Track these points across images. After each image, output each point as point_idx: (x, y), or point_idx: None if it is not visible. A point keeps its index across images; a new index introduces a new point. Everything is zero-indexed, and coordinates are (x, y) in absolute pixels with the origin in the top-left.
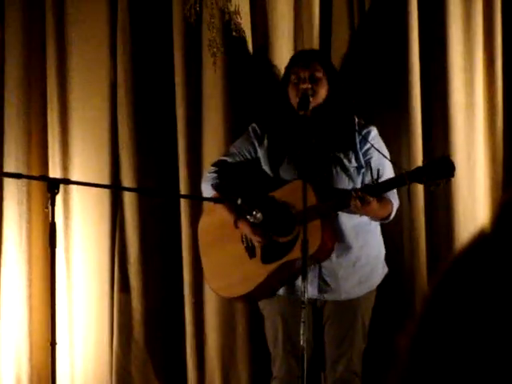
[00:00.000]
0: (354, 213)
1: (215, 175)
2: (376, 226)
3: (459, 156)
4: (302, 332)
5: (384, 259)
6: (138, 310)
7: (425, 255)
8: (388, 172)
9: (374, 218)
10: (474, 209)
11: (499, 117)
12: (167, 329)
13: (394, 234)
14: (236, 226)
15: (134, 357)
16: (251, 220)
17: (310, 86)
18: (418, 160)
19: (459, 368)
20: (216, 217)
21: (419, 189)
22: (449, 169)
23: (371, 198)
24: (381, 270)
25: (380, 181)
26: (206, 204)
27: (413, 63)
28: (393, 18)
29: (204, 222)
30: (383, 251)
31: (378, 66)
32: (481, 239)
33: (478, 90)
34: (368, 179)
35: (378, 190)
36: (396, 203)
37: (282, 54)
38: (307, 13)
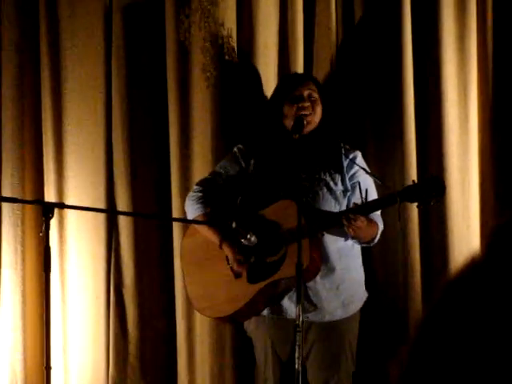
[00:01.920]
0: (340, 235)
1: (200, 194)
2: (358, 251)
3: (453, 179)
4: (297, 355)
5: (364, 284)
6: (134, 334)
7: (419, 280)
8: (373, 195)
9: (359, 240)
10: (468, 233)
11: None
12: (163, 352)
13: (388, 258)
14: (220, 248)
15: (129, 380)
16: (245, 243)
17: (309, 104)
18: (413, 176)
19: None
20: (199, 237)
21: (414, 212)
22: (440, 188)
23: (362, 218)
24: (362, 295)
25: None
26: (188, 224)
27: (407, 82)
28: (385, 37)
29: (187, 243)
30: (363, 276)
31: (371, 84)
32: (472, 267)
33: (473, 110)
34: (355, 201)
35: (368, 208)
36: (381, 227)
37: (268, 77)
38: (292, 37)
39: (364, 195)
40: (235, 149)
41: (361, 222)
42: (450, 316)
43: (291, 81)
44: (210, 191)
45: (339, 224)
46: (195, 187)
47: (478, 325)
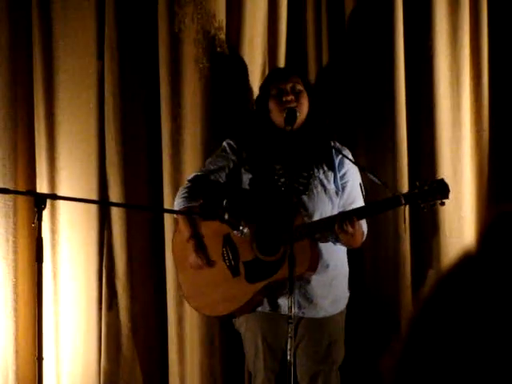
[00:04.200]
0: (329, 237)
1: (186, 190)
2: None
3: (445, 171)
4: (289, 347)
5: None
6: (126, 325)
7: (409, 271)
8: (360, 198)
9: (349, 243)
10: (459, 224)
11: (485, 131)
12: (155, 343)
13: (380, 251)
14: (187, 241)
15: (121, 371)
16: (238, 235)
17: (293, 97)
18: (405, 178)
19: None
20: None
21: None
22: (444, 191)
23: (357, 225)
24: (347, 292)
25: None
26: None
27: (398, 81)
28: (376, 33)
29: (178, 239)
30: (348, 272)
31: (363, 83)
32: (466, 260)
33: (465, 104)
34: (346, 202)
35: (371, 211)
36: (365, 232)
37: (253, 71)
38: (278, 30)
39: (364, 196)
40: (225, 144)
41: (355, 227)
42: (445, 309)
43: (274, 76)
44: (198, 187)
45: (340, 225)
46: (186, 183)
47: (473, 317)
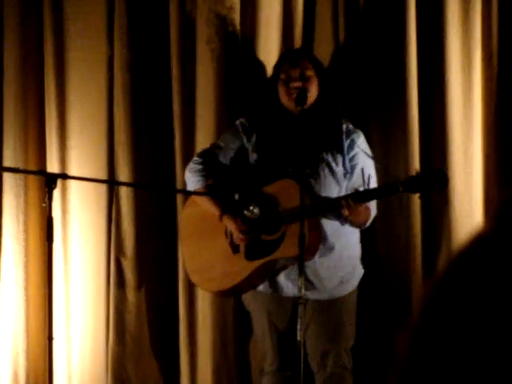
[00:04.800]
0: (335, 217)
1: (201, 167)
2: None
3: (456, 153)
4: (298, 327)
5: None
6: (134, 305)
7: (420, 252)
8: (373, 180)
9: (352, 223)
10: (470, 206)
11: (494, 113)
12: (163, 323)
13: (390, 232)
14: (221, 220)
15: (129, 351)
16: (248, 215)
17: (300, 84)
18: (416, 158)
19: (458, 368)
20: (199, 209)
21: None
22: (443, 181)
23: (361, 207)
24: (359, 271)
25: (367, 187)
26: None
27: (410, 62)
28: (389, 17)
29: (187, 213)
30: (360, 253)
31: (375, 65)
32: (479, 240)
33: (476, 84)
34: (353, 184)
35: (369, 196)
36: (374, 213)
37: (270, 51)
38: (291, 12)
39: (367, 181)
40: (237, 122)
41: (361, 207)
42: (458, 290)
43: (284, 59)
44: (210, 164)
45: (340, 209)
46: (195, 159)
47: (486, 297)
